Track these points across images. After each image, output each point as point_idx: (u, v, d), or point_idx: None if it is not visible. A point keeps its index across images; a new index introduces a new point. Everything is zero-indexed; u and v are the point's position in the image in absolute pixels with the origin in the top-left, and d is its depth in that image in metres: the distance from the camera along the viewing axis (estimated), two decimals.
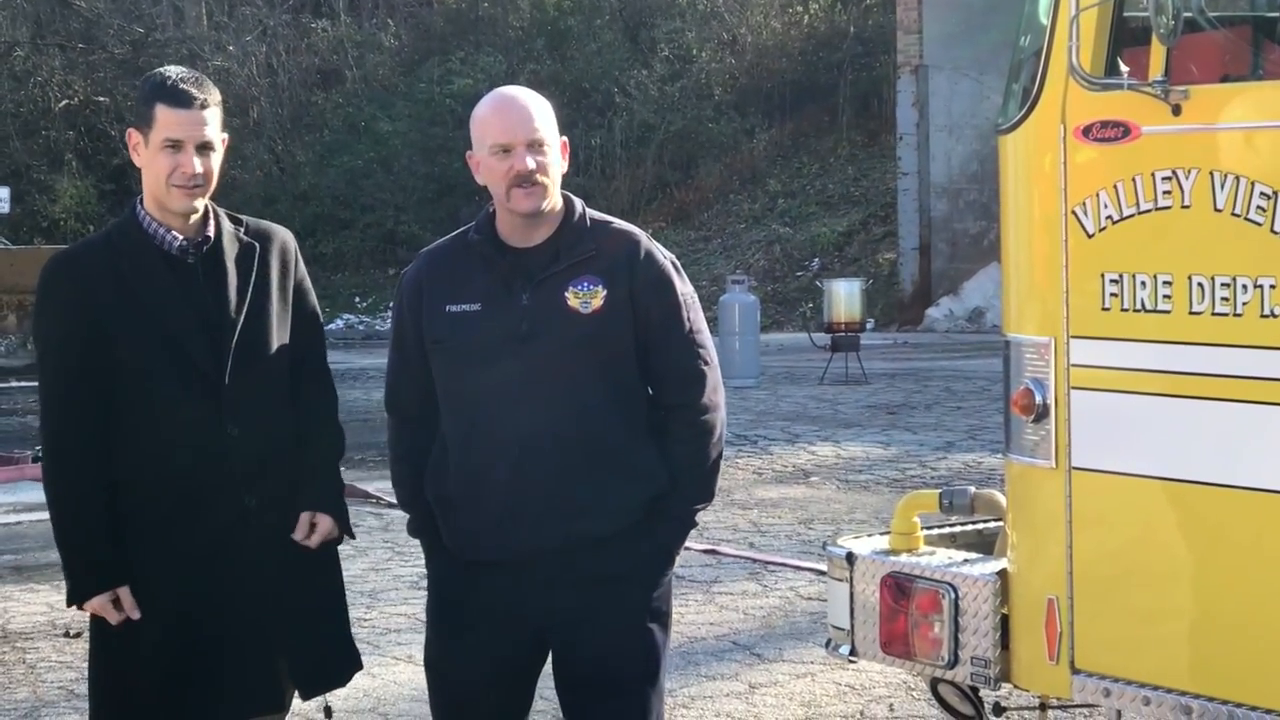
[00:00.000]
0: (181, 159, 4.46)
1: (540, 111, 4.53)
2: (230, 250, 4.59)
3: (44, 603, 9.53)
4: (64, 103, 40.45)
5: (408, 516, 4.78)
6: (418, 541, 4.78)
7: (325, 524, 4.68)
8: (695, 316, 4.62)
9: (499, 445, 4.48)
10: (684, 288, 4.63)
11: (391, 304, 4.86)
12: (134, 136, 4.54)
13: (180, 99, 4.46)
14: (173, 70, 4.57)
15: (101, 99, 40.01)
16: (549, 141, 4.50)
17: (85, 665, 4.78)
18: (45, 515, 4.64)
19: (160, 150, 4.47)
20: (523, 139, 4.47)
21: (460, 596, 4.60)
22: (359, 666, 4.86)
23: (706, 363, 4.61)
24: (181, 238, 4.55)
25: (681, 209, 36.85)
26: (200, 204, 4.55)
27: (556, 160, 4.53)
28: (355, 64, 41.99)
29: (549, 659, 4.66)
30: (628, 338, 4.52)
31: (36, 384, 4.71)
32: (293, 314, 4.69)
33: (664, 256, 4.62)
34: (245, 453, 4.54)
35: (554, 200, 4.55)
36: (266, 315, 4.60)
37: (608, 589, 4.51)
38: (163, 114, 4.46)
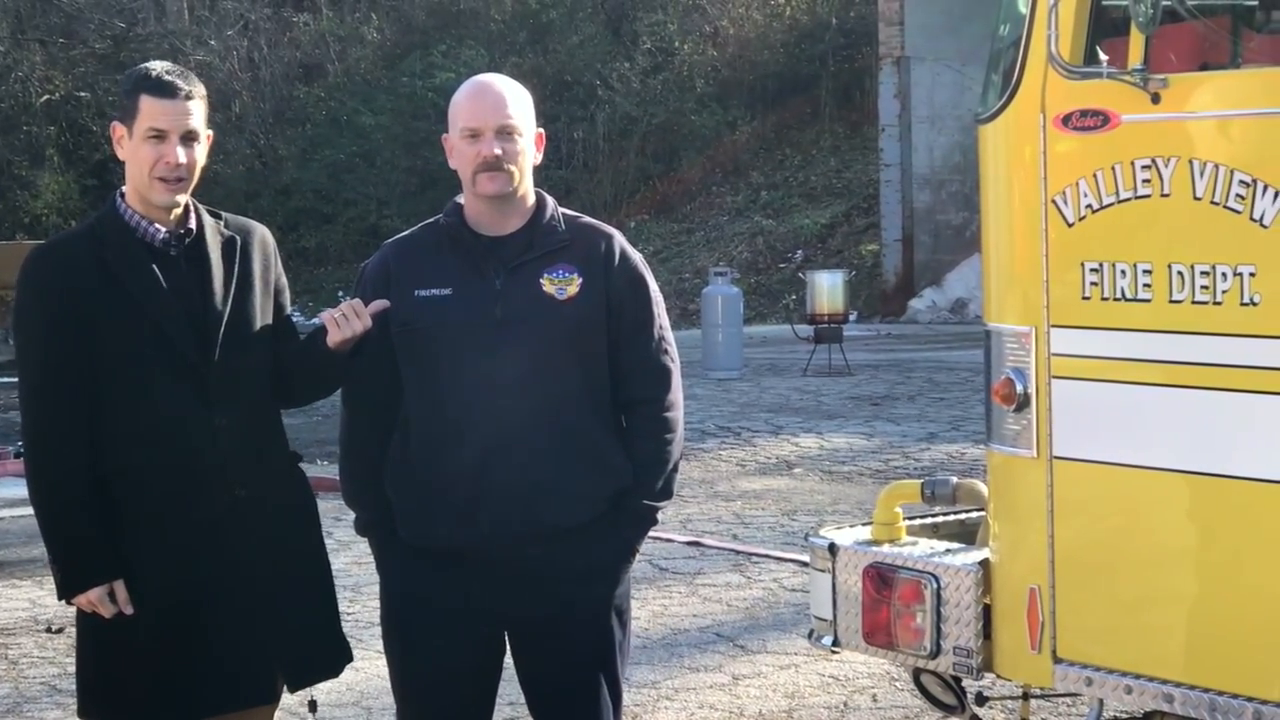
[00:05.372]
0: (165, 149, 4.42)
1: (515, 100, 4.50)
2: (213, 243, 4.56)
3: (26, 598, 9.50)
4: (45, 98, 40.34)
5: (354, 515, 4.72)
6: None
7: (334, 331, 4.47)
8: (663, 314, 4.64)
9: (468, 430, 4.44)
10: (654, 285, 4.65)
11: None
12: (118, 130, 4.50)
13: (165, 89, 4.43)
14: (157, 64, 4.54)
15: (83, 94, 39.90)
16: (520, 130, 4.48)
17: (68, 661, 4.76)
18: (27, 511, 4.60)
19: (144, 141, 4.43)
20: (492, 125, 4.45)
21: (420, 594, 4.54)
22: (349, 658, 4.82)
23: (674, 360, 4.63)
24: (164, 230, 4.52)
25: (664, 201, 36.86)
26: (182, 199, 4.51)
27: (528, 150, 4.51)
28: (337, 58, 41.94)
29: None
30: (601, 328, 4.51)
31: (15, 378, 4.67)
32: (273, 312, 4.64)
33: (636, 254, 4.64)
34: (233, 443, 4.50)
35: (523, 189, 4.52)
36: (251, 307, 4.57)
37: (570, 586, 4.48)
38: (147, 104, 4.43)
